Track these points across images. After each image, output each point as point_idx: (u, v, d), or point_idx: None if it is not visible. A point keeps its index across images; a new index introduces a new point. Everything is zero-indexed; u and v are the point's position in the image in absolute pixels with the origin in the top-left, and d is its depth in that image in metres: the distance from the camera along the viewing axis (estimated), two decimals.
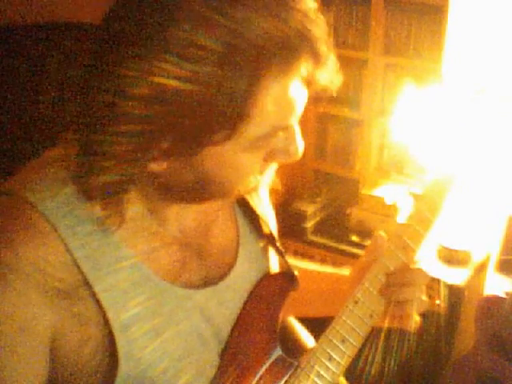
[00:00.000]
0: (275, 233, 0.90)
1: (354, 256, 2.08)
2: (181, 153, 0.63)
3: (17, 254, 0.63)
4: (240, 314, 0.81)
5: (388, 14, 2.14)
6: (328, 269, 1.00)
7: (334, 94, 0.70)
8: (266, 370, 0.81)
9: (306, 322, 0.95)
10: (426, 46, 2.11)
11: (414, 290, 0.81)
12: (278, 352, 0.81)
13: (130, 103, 0.59)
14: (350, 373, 0.88)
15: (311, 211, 2.24)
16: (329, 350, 0.79)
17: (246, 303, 0.82)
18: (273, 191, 0.93)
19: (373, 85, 2.20)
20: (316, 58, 0.63)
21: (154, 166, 0.65)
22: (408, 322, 0.82)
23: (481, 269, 2.02)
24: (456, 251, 1.96)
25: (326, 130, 2.38)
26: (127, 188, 0.67)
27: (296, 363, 0.81)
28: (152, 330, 0.71)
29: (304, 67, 0.62)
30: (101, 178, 0.64)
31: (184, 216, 0.78)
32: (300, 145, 0.69)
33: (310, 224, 2.23)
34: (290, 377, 0.80)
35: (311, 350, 0.81)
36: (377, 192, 2.15)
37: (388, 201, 2.08)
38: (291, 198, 2.44)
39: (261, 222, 0.87)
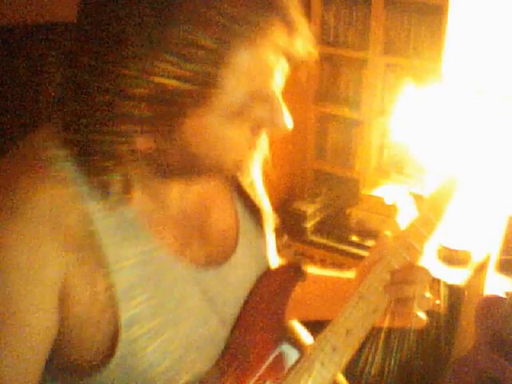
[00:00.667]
0: (273, 218, 0.91)
1: (354, 256, 2.08)
2: (162, 126, 0.63)
3: (35, 196, 0.64)
4: (243, 310, 0.82)
5: (388, 14, 2.14)
6: (332, 272, 1.00)
7: (312, 67, 0.69)
8: (273, 359, 0.83)
9: (307, 322, 0.95)
10: (425, 46, 2.11)
11: (416, 288, 0.82)
12: (284, 345, 0.84)
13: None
14: (350, 373, 0.89)
15: (311, 211, 2.24)
16: (333, 342, 0.81)
17: (249, 298, 0.83)
18: (271, 189, 0.94)
19: (373, 85, 2.20)
20: (288, 25, 0.63)
21: (141, 144, 0.65)
22: (410, 320, 0.83)
23: (481, 269, 2.02)
24: (456, 251, 1.96)
25: (326, 130, 2.38)
26: (123, 168, 0.68)
27: (300, 353, 0.83)
28: (154, 303, 0.72)
29: (277, 36, 0.62)
30: (94, 158, 0.65)
31: (184, 198, 0.79)
32: (286, 116, 0.68)
33: (309, 224, 2.23)
34: (293, 366, 0.81)
35: (316, 340, 0.82)
36: (377, 192, 2.15)
37: (388, 201, 2.08)
38: (291, 198, 2.44)
39: (259, 213, 0.88)
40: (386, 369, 1.01)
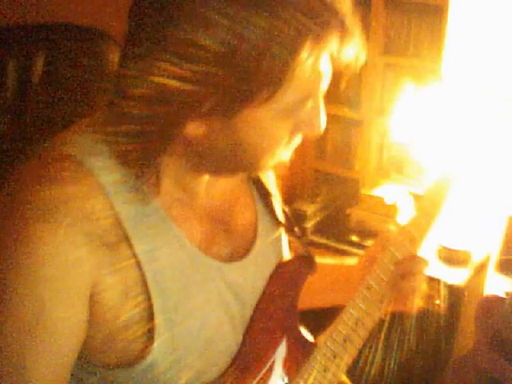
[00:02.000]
0: (290, 216, 0.93)
1: (354, 256, 2.08)
2: (220, 114, 0.64)
3: (66, 197, 0.64)
4: (259, 301, 0.84)
5: (388, 14, 2.14)
6: (334, 260, 1.03)
7: (356, 72, 0.72)
8: (288, 347, 0.85)
9: (307, 320, 0.96)
10: (425, 46, 2.11)
11: (416, 278, 0.86)
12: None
13: (196, 83, 0.61)
14: (350, 373, 0.89)
15: (311, 211, 2.24)
16: (344, 332, 0.84)
17: (265, 288, 0.85)
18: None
19: (372, 85, 2.20)
20: (344, 32, 0.65)
21: (192, 130, 0.66)
22: (411, 307, 0.87)
23: (481, 269, 2.02)
24: (456, 251, 1.96)
25: (326, 130, 2.36)
26: (163, 155, 0.69)
27: (313, 342, 0.86)
28: (186, 297, 0.73)
29: (333, 41, 0.65)
30: (138, 147, 0.66)
31: (212, 191, 0.80)
32: (323, 119, 0.73)
33: (309, 224, 2.23)
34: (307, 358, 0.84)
35: (327, 332, 0.85)
36: (377, 192, 2.14)
37: (388, 201, 2.08)
38: (291, 197, 2.44)
39: (275, 204, 0.90)
40: (386, 369, 1.01)
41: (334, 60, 0.68)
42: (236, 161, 0.72)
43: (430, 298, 1.88)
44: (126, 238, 0.67)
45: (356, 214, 2.17)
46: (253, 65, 0.60)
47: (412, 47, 2.14)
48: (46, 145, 0.70)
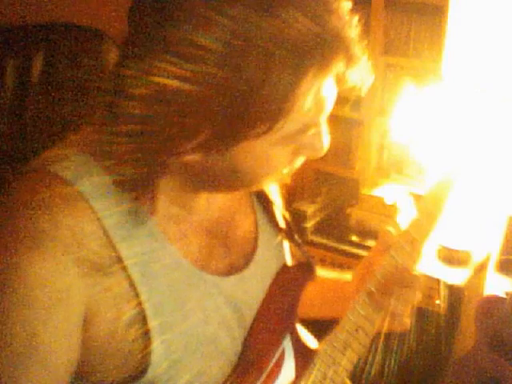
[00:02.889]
0: (291, 223, 0.93)
1: (354, 256, 2.08)
2: (217, 146, 0.64)
3: (56, 224, 0.63)
4: (259, 309, 0.83)
5: (388, 14, 2.14)
6: (332, 273, 1.01)
7: (362, 95, 0.72)
8: (278, 355, 0.84)
9: (310, 325, 0.96)
10: (426, 46, 2.11)
11: (407, 293, 0.82)
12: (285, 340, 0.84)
13: (171, 96, 0.60)
14: (349, 373, 0.89)
15: (311, 211, 2.24)
16: (344, 339, 0.82)
17: (265, 295, 0.84)
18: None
19: (373, 85, 2.20)
20: (350, 58, 0.64)
21: (188, 157, 0.65)
22: (399, 324, 0.84)
23: (481, 269, 2.02)
24: (456, 251, 1.96)
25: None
26: (159, 178, 0.68)
27: (313, 349, 0.85)
28: (182, 315, 0.72)
29: (338, 66, 0.64)
30: (134, 169, 0.65)
31: (211, 205, 0.80)
32: (325, 141, 0.72)
33: (309, 224, 2.23)
34: (308, 366, 0.83)
35: (327, 338, 0.83)
36: (377, 192, 2.14)
37: (388, 201, 2.08)
38: (291, 197, 2.44)
39: (275, 211, 0.89)
40: (386, 369, 1.01)
41: (338, 82, 0.67)
42: (234, 182, 0.72)
43: (430, 298, 1.88)
44: (119, 260, 0.67)
45: (356, 213, 2.17)
46: (249, 98, 0.59)
47: (412, 47, 2.14)
48: (35, 163, 0.69)
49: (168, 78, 0.59)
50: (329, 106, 0.68)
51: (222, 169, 0.68)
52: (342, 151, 2.37)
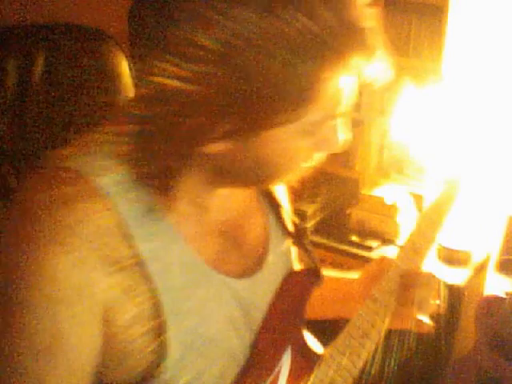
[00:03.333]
0: (301, 228, 0.93)
1: (354, 256, 2.08)
2: (242, 134, 0.64)
3: (81, 220, 0.63)
4: (267, 314, 0.83)
5: (388, 14, 2.14)
6: (336, 273, 1.02)
7: (378, 89, 0.72)
8: (292, 361, 0.85)
9: (314, 328, 0.96)
10: (426, 46, 2.11)
11: (421, 292, 0.85)
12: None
13: (196, 84, 0.60)
14: None
15: (311, 211, 2.24)
16: (350, 345, 0.83)
17: (273, 300, 0.84)
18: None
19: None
20: (367, 50, 0.65)
21: (212, 148, 0.65)
22: (413, 323, 0.85)
23: (481, 269, 2.02)
24: (456, 251, 1.96)
25: None
26: (182, 172, 0.68)
27: (318, 354, 0.85)
28: (195, 314, 0.72)
29: (357, 59, 0.64)
30: (157, 164, 0.65)
31: (226, 207, 0.80)
32: (342, 137, 0.72)
33: (309, 224, 2.23)
34: (313, 371, 0.83)
35: (333, 344, 0.84)
36: (377, 192, 2.15)
37: (388, 201, 2.08)
38: (291, 197, 2.43)
39: (286, 216, 0.90)
40: (386, 369, 1.01)
41: (356, 76, 0.68)
42: (255, 176, 0.72)
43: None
44: (137, 257, 0.67)
45: (356, 214, 2.17)
46: (276, 84, 0.60)
47: (412, 47, 2.14)
48: (52, 159, 0.69)
49: (171, 77, 0.59)
50: (348, 98, 0.69)
51: (245, 160, 0.68)
52: (342, 151, 2.36)
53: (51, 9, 1.53)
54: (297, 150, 0.69)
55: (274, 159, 0.69)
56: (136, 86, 0.63)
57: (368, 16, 0.66)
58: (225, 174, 0.72)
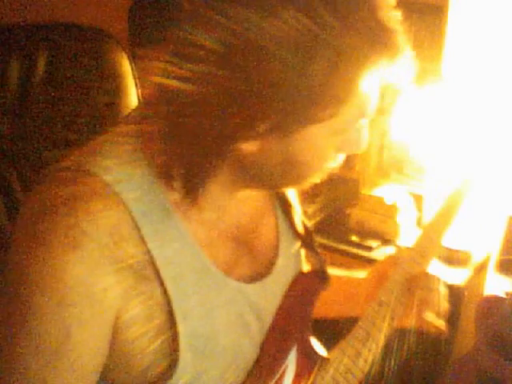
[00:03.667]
0: (310, 230, 0.93)
1: (354, 256, 2.08)
2: (283, 131, 0.64)
3: (95, 224, 0.63)
4: (275, 317, 0.84)
5: None
6: (343, 272, 1.03)
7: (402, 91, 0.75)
8: (297, 362, 0.85)
9: (316, 328, 0.96)
10: (425, 46, 2.10)
11: (429, 294, 0.86)
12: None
13: (234, 86, 0.60)
14: None
15: (311, 211, 2.24)
16: (355, 347, 0.84)
17: (281, 301, 0.85)
18: None
19: None
20: (396, 51, 0.67)
21: (246, 147, 0.65)
22: (411, 322, 0.85)
23: (481, 269, 2.02)
24: (456, 251, 1.96)
25: None
26: (212, 174, 0.67)
27: (324, 358, 0.86)
28: (208, 320, 0.72)
29: (386, 60, 0.66)
30: (187, 164, 0.64)
31: (241, 211, 0.80)
32: (365, 138, 0.73)
33: (309, 224, 2.23)
34: (317, 371, 0.85)
35: (338, 346, 0.84)
36: (377, 192, 2.14)
37: (388, 201, 2.08)
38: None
39: (296, 218, 0.90)
40: (386, 369, 1.01)
41: (383, 76, 0.69)
42: (283, 177, 0.72)
43: None
44: (152, 263, 0.67)
45: (356, 214, 2.16)
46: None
47: (412, 47, 2.13)
48: (69, 161, 0.68)
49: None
50: (375, 99, 0.70)
51: (277, 160, 0.68)
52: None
53: (51, 9, 1.53)
54: (326, 149, 0.70)
55: (304, 159, 0.69)
56: (144, 86, 0.62)
57: (396, 17, 0.68)
58: (253, 175, 0.71)
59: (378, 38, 0.63)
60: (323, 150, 0.70)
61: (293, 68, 0.59)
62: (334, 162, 0.76)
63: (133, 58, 0.62)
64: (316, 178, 0.76)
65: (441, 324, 0.88)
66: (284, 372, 0.83)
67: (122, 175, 0.66)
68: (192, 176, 0.66)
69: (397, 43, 0.67)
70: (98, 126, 0.66)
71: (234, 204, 0.78)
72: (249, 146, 0.65)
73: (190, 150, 0.63)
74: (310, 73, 0.60)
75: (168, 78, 0.60)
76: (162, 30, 0.60)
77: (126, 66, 1.19)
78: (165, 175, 0.66)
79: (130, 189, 0.66)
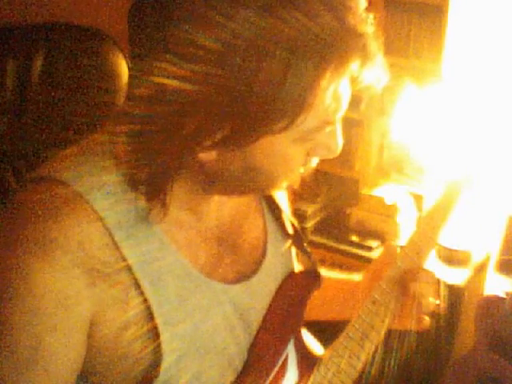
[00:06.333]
0: (300, 230, 0.92)
1: (354, 256, 2.08)
2: (237, 142, 0.63)
3: (64, 232, 0.63)
4: (265, 317, 0.82)
5: (388, 14, 2.14)
6: (340, 274, 1.02)
7: (376, 95, 0.72)
8: (297, 364, 0.85)
9: (315, 330, 0.96)
10: (425, 46, 2.11)
11: (423, 289, 0.84)
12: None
13: (195, 84, 0.59)
14: None
15: (311, 211, 2.24)
16: (349, 347, 0.83)
17: (271, 301, 0.84)
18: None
19: None
20: (366, 55, 0.64)
21: (204, 156, 0.65)
22: (412, 321, 0.85)
23: (481, 269, 2.02)
24: (456, 251, 1.96)
25: None
26: (174, 178, 0.67)
27: (318, 357, 0.85)
28: (190, 323, 0.72)
29: (355, 63, 0.64)
30: (149, 169, 0.64)
31: (221, 211, 0.79)
32: (339, 142, 0.72)
33: (309, 224, 2.23)
34: (312, 374, 0.83)
35: (332, 346, 0.83)
36: (377, 192, 2.15)
37: (388, 201, 2.08)
38: (291, 197, 2.43)
39: (285, 218, 0.89)
40: (386, 369, 1.01)
41: (353, 82, 0.67)
42: (249, 183, 0.71)
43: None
44: (128, 268, 0.66)
45: (356, 214, 2.17)
46: (270, 92, 0.59)
47: (412, 47, 2.14)
48: (43, 169, 0.68)
49: (171, 77, 0.59)
50: (344, 104, 0.68)
51: (238, 168, 0.67)
52: (342, 151, 2.35)
53: (51, 9, 1.52)
54: (292, 157, 0.68)
55: (268, 167, 0.68)
56: (132, 85, 0.62)
57: (367, 21, 0.65)
58: (217, 181, 0.71)
59: (340, 43, 0.60)
60: (285, 157, 0.68)
61: (242, 77, 0.57)
62: (308, 166, 0.73)
63: (132, 57, 0.62)
64: (290, 182, 0.74)
65: (427, 319, 0.87)
66: (280, 374, 0.83)
67: (93, 183, 0.66)
68: (153, 181, 0.65)
69: (365, 47, 0.63)
70: (95, 125, 0.66)
71: (214, 205, 0.77)
72: (207, 155, 0.65)
73: (151, 156, 0.63)
74: (259, 83, 0.58)
75: (167, 77, 0.60)
76: (162, 30, 0.60)
77: (123, 66, 1.19)
78: (130, 181, 0.66)
79: (101, 197, 0.65)
